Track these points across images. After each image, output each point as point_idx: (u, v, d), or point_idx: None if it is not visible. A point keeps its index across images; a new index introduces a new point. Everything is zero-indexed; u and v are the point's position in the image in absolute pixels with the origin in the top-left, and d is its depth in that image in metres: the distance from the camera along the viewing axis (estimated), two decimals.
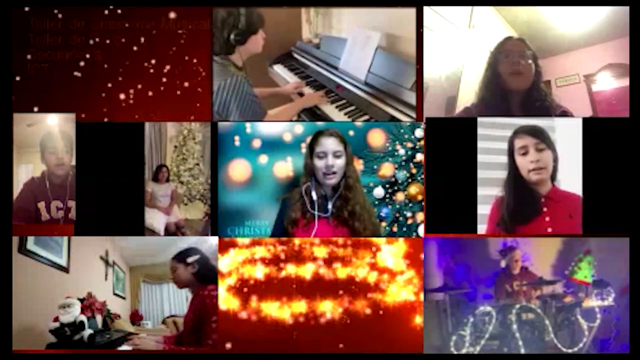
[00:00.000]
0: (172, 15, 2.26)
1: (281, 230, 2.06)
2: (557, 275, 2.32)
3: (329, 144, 1.97)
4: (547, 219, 2.15)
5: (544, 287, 2.30)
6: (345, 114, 2.39)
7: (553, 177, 2.15)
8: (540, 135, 2.14)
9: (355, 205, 1.98)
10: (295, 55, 2.78)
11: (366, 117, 2.34)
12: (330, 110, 2.44)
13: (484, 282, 2.34)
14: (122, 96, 2.26)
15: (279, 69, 2.74)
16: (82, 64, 2.26)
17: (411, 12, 2.29)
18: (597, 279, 2.28)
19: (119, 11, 2.26)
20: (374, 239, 2.20)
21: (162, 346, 2.20)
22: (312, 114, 2.46)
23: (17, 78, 2.26)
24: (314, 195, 1.98)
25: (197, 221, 2.33)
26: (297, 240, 2.19)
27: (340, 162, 1.97)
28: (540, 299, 2.27)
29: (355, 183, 2.01)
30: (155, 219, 2.34)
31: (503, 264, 2.33)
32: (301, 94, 2.58)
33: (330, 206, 1.99)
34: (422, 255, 2.23)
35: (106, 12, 2.26)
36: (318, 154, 1.98)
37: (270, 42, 2.35)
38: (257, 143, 2.30)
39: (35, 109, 2.26)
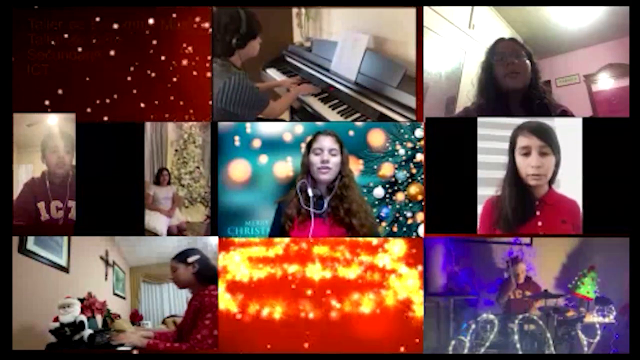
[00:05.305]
0: (173, 15, 2.26)
1: (278, 232, 2.07)
2: (559, 288, 2.33)
3: (326, 141, 2.00)
4: (540, 223, 2.12)
5: (547, 299, 2.30)
6: (338, 112, 2.43)
7: (551, 181, 2.10)
8: (546, 137, 2.07)
9: (352, 203, 2.00)
10: (288, 59, 2.81)
11: (357, 115, 2.38)
12: (324, 109, 2.48)
13: (487, 288, 2.35)
14: (122, 96, 2.26)
15: (272, 72, 2.78)
16: (81, 64, 2.26)
17: (399, 14, 2.31)
18: (599, 295, 2.28)
19: (119, 11, 2.26)
20: (374, 239, 2.20)
21: (151, 341, 2.16)
22: (306, 113, 2.50)
23: (17, 78, 2.26)
24: (310, 192, 1.99)
25: (199, 224, 2.34)
26: (296, 240, 2.19)
27: (335, 160, 1.99)
28: (542, 311, 2.27)
29: (351, 182, 2.03)
30: (157, 221, 2.34)
31: (507, 274, 2.34)
32: None
33: (325, 205, 2.00)
34: (423, 255, 2.23)
35: (106, 12, 2.26)
36: (315, 150, 2.01)
37: (263, 46, 2.39)
38: (257, 143, 2.31)
39: (36, 108, 2.26)
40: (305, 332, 2.20)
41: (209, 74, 2.27)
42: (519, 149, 2.09)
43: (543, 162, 2.06)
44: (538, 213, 2.12)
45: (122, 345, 2.17)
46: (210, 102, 2.26)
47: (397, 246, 2.22)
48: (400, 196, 2.30)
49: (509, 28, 2.34)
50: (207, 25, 2.27)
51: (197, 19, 2.26)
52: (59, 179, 2.29)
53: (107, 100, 2.26)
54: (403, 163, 2.30)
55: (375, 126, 2.31)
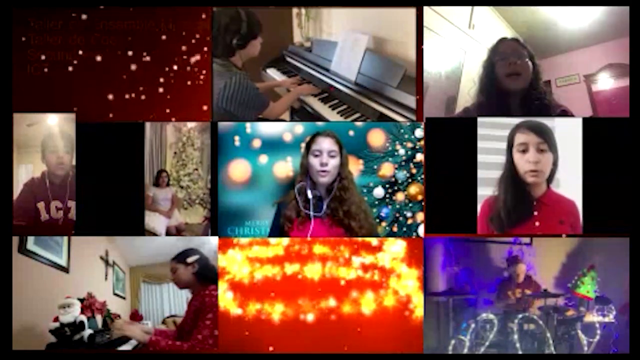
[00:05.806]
0: (173, 15, 2.26)
1: (277, 233, 2.08)
2: (559, 287, 2.33)
3: (325, 143, 2.00)
4: (537, 223, 2.12)
5: (547, 299, 2.29)
6: (338, 112, 2.44)
7: (549, 180, 2.10)
8: (544, 134, 2.08)
9: (351, 205, 2.00)
10: (288, 59, 2.82)
11: (357, 115, 2.39)
12: (324, 109, 2.49)
13: (487, 287, 2.35)
14: (122, 96, 2.26)
15: (272, 73, 2.79)
16: (81, 64, 2.26)
17: (399, 14, 2.31)
18: (599, 294, 2.28)
19: (119, 11, 2.26)
20: (374, 239, 2.20)
21: (153, 337, 2.13)
22: (306, 113, 2.51)
23: (17, 78, 2.26)
24: (309, 194, 1.99)
25: (197, 225, 2.35)
26: (296, 240, 2.19)
27: (334, 162, 1.99)
28: (542, 310, 2.27)
29: (350, 184, 2.03)
30: (156, 222, 2.35)
31: (506, 273, 2.34)
32: None
33: (324, 206, 2.00)
34: (422, 256, 2.23)
35: (106, 12, 2.26)
36: (314, 152, 2.00)
37: (264, 46, 2.40)
38: (257, 143, 2.31)
39: (36, 108, 2.26)
40: (305, 332, 2.20)
41: (209, 75, 2.27)
42: (517, 146, 2.10)
43: (540, 158, 2.07)
44: (535, 213, 2.11)
45: (124, 337, 2.17)
46: (211, 102, 2.26)
47: (397, 246, 2.22)
48: (400, 196, 2.30)
49: (509, 28, 2.34)
50: (207, 26, 2.27)
51: (198, 20, 2.26)
52: (58, 179, 2.29)
53: (107, 101, 2.26)
54: (403, 163, 2.30)
55: (375, 126, 2.31)
